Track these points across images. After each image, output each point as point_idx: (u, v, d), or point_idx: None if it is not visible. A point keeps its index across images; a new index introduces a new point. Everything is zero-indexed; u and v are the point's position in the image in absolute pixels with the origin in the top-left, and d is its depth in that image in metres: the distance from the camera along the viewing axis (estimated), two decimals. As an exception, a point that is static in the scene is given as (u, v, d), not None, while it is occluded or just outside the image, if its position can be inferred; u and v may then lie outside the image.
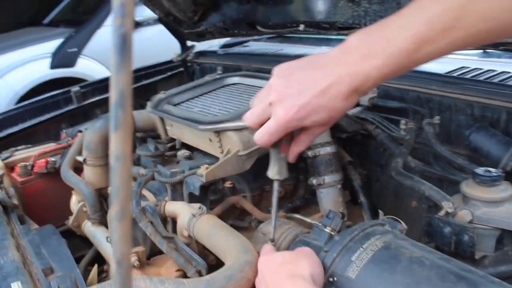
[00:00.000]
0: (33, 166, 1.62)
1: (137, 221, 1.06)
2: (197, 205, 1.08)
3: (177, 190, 1.18)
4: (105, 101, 2.07)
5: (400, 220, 0.85)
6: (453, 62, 1.35)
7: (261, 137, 0.75)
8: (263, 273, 0.75)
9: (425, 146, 1.23)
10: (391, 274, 0.72)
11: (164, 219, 1.14)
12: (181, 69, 2.21)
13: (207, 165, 1.11)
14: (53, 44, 4.10)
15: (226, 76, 1.55)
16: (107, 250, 1.27)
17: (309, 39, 2.00)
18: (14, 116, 1.89)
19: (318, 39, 1.96)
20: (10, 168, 1.67)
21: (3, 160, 1.67)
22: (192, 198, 1.15)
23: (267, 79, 1.40)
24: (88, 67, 4.26)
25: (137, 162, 1.35)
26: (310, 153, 1.23)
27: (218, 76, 1.58)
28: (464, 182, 0.93)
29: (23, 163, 1.62)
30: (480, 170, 0.91)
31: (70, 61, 4.14)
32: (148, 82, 2.18)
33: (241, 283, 0.80)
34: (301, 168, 1.35)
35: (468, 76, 1.18)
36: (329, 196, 1.23)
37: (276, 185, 0.83)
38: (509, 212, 0.86)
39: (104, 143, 1.43)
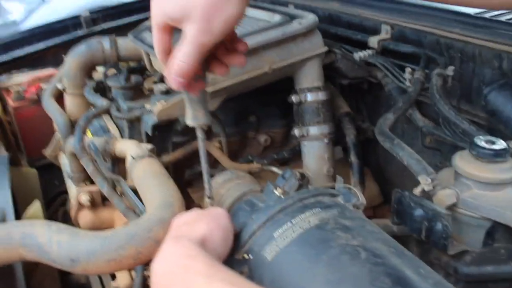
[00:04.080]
0: (25, 91, 1.55)
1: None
2: (148, 145, 0.94)
3: (135, 128, 1.04)
4: (117, 28, 1.93)
5: (357, 192, 0.66)
6: None
7: (179, 69, 0.58)
8: (166, 265, 0.61)
9: (436, 103, 1.00)
10: (312, 264, 0.55)
11: (116, 159, 1.02)
12: None
13: (164, 102, 0.95)
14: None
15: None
16: (69, 185, 1.19)
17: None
18: (20, 40, 1.82)
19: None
20: (7, 91, 1.62)
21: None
22: (150, 138, 1.02)
23: (267, 9, 1.20)
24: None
25: (109, 93, 1.22)
26: (294, 99, 1.04)
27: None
28: (459, 153, 0.72)
29: (16, 88, 1.56)
30: (480, 140, 0.69)
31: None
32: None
33: (145, 244, 0.66)
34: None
35: (503, 18, 0.91)
36: (313, 151, 1.06)
37: (199, 133, 0.67)
38: (507, 199, 0.65)
39: (84, 71, 1.31)
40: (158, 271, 0.49)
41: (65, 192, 1.45)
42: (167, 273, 0.48)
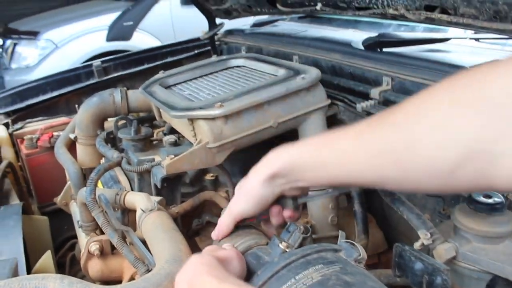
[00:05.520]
0: (38, 139, 1.61)
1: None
2: (158, 198, 0.97)
3: (144, 180, 1.08)
4: (127, 77, 2.02)
5: (359, 246, 0.68)
6: (486, 53, 1.11)
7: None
8: (187, 273, 0.62)
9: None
10: (315, 320, 0.56)
11: (126, 209, 1.05)
12: (209, 47, 2.09)
13: (173, 156, 0.99)
14: (111, 17, 4.16)
15: (231, 58, 1.42)
16: (80, 233, 1.21)
17: (338, 20, 1.80)
18: (35, 88, 1.89)
19: (346, 21, 1.75)
20: (21, 139, 1.68)
21: (14, 131, 1.68)
22: (159, 190, 1.05)
23: (272, 63, 1.26)
24: (143, 40, 4.30)
25: (119, 144, 1.26)
26: (298, 151, 1.07)
27: (224, 57, 1.45)
28: (458, 207, 0.74)
29: (29, 136, 1.61)
30: (477, 194, 0.71)
31: (126, 34, 4.18)
32: (174, 60, 2.09)
33: (154, 299, 0.68)
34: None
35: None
36: (317, 201, 1.08)
37: None
38: (506, 253, 0.67)
39: (96, 122, 1.37)
40: (178, 280, 0.57)
41: (73, 237, 1.48)
42: (186, 280, 0.56)
